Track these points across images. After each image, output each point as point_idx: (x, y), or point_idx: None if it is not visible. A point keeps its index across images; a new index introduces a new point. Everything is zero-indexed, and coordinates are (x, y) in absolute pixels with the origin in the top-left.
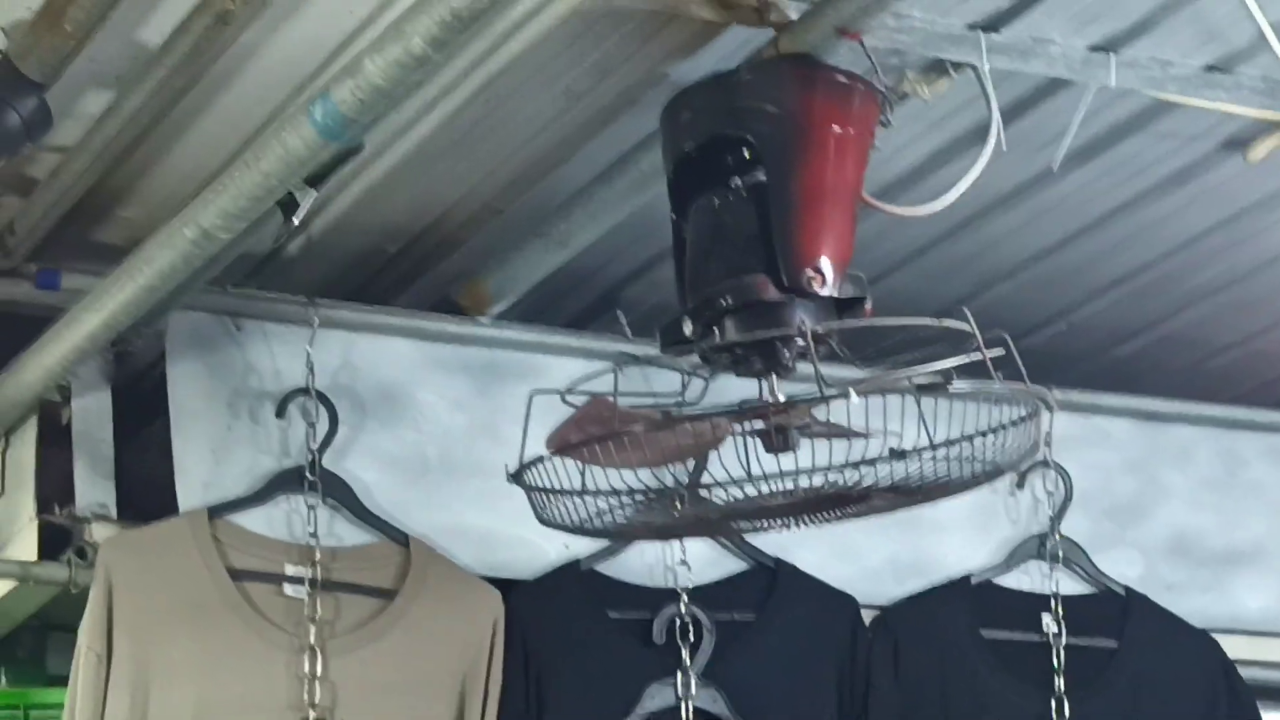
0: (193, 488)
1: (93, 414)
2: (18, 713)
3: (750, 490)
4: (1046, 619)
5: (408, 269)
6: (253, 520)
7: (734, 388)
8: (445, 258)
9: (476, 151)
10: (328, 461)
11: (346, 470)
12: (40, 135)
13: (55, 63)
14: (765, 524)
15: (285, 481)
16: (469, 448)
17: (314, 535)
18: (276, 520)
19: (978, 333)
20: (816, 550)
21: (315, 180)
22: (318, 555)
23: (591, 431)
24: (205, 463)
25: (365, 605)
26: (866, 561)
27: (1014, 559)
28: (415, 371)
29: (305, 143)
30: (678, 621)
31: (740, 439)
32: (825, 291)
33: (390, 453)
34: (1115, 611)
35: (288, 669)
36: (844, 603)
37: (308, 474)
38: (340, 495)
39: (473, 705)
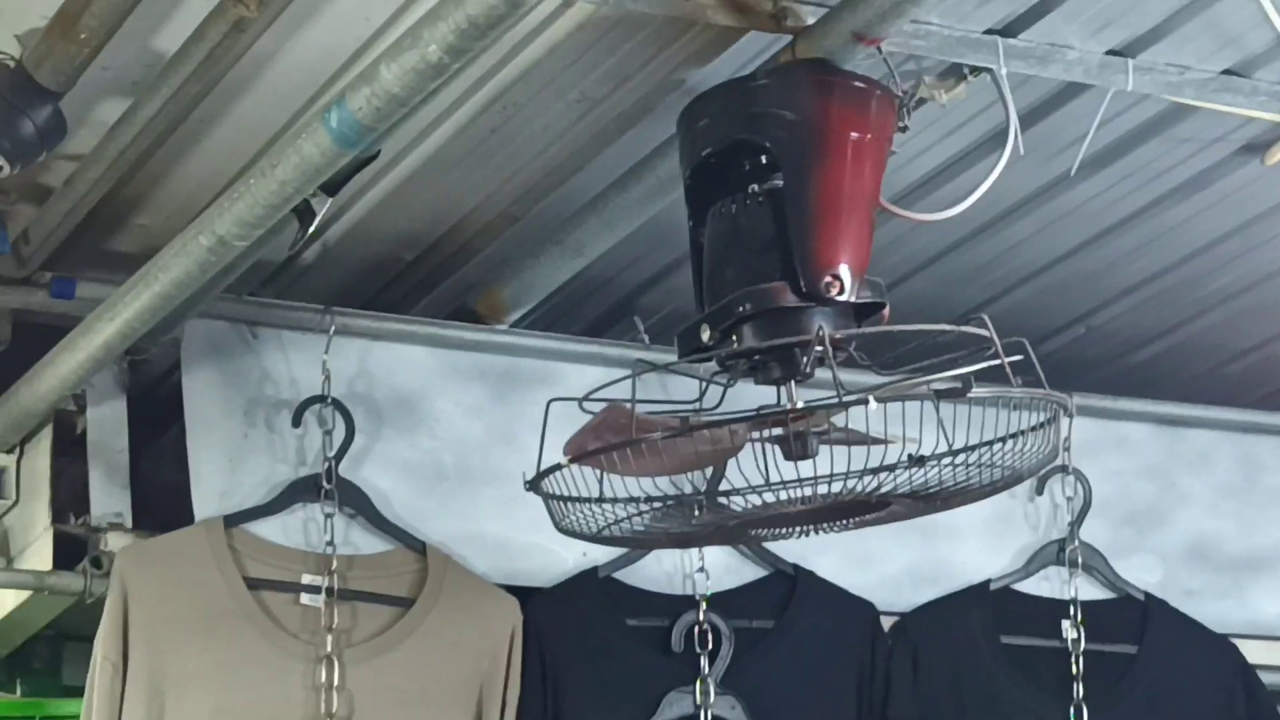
0: (208, 496)
1: (108, 423)
2: None
3: (769, 497)
4: (1066, 625)
5: (424, 277)
6: (269, 529)
7: (752, 394)
8: (461, 265)
9: (492, 159)
10: (344, 470)
11: (363, 478)
12: (55, 143)
13: (70, 71)
14: (784, 531)
15: (301, 490)
16: (486, 455)
17: (330, 544)
18: (293, 529)
19: (996, 338)
20: (834, 558)
21: (331, 188)
22: (334, 564)
23: (609, 439)
24: (221, 471)
25: (382, 614)
26: (885, 568)
27: (1033, 565)
28: (432, 379)
29: (321, 150)
30: (696, 629)
31: (759, 446)
32: (843, 298)
33: (407, 461)
34: (1134, 617)
35: (304, 678)
36: (863, 610)
37: (324, 482)
38: (357, 503)
39: (490, 714)
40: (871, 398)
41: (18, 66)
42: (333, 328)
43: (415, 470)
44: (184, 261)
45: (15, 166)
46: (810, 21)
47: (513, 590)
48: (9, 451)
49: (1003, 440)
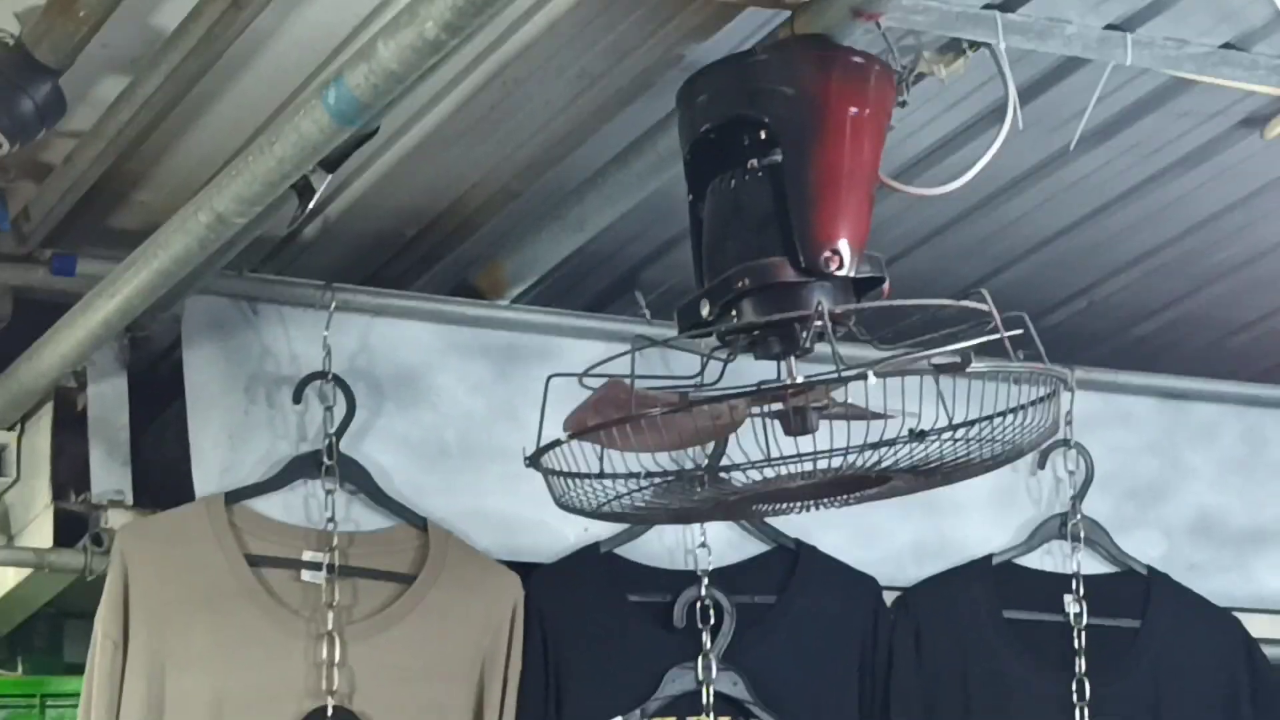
0: (209, 473)
1: (109, 400)
2: (34, 701)
3: (769, 472)
4: (1068, 600)
5: (425, 252)
6: (270, 506)
7: (752, 370)
8: (463, 241)
9: (493, 135)
10: (345, 446)
11: (364, 454)
12: (54, 121)
13: (69, 48)
14: (785, 506)
15: (302, 466)
16: (488, 431)
17: (331, 520)
18: (294, 505)
19: (996, 313)
20: (838, 532)
21: (331, 164)
22: (335, 540)
23: (609, 414)
24: (222, 448)
25: (383, 590)
26: (888, 543)
27: (1035, 539)
28: (433, 355)
29: (319, 127)
30: (698, 605)
31: (759, 421)
32: (843, 272)
33: (408, 437)
34: (1137, 592)
35: (305, 656)
36: (865, 585)
37: (325, 459)
38: (358, 480)
39: (492, 690)
40: (870, 373)
41: (17, 44)
42: (334, 304)
43: (417, 446)
44: (183, 239)
45: (15, 144)
46: None
47: (514, 566)
48: (9, 429)
49: (1003, 415)
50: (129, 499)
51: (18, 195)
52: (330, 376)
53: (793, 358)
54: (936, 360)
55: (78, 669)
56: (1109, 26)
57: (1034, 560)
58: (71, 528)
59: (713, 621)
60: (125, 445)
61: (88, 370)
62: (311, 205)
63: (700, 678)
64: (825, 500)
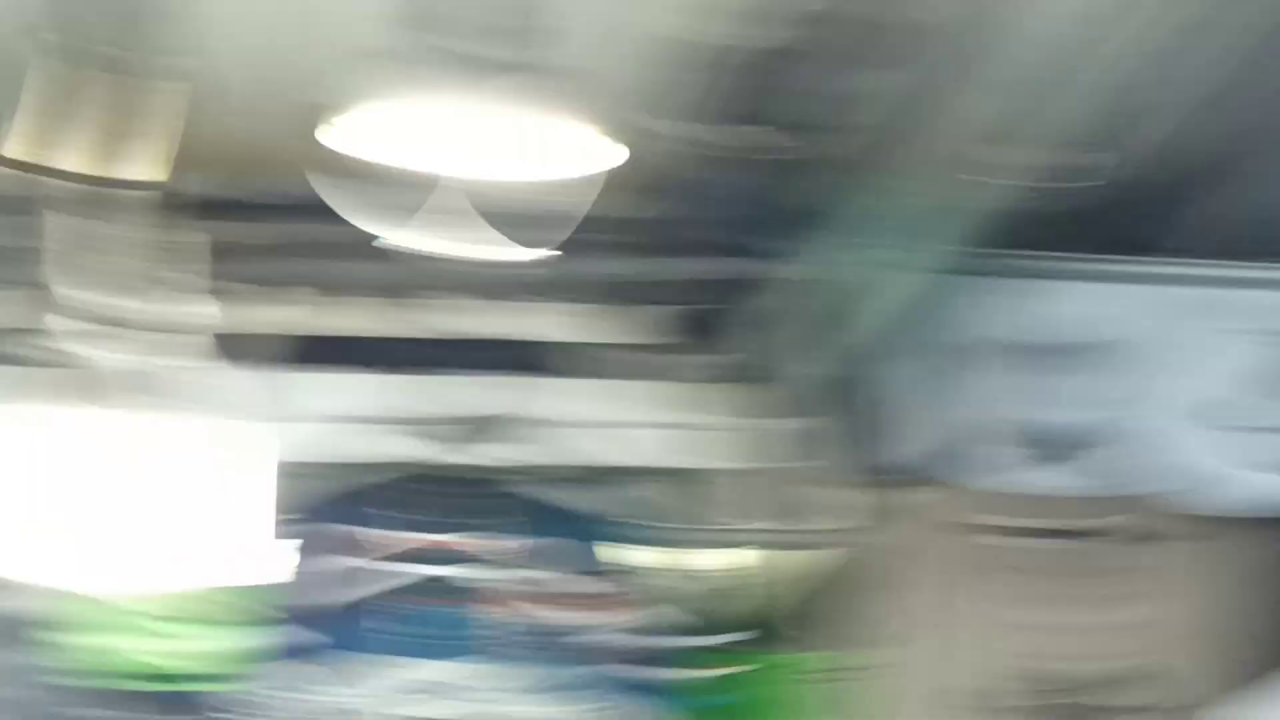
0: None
1: (896, 379)
2: (825, 674)
3: None
4: None
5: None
6: (1029, 477)
7: None
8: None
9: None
10: (1111, 417)
11: (1129, 423)
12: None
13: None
14: None
15: (1071, 437)
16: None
17: (1085, 488)
18: (1058, 475)
19: None
20: None
21: (1098, 144)
22: (1089, 508)
23: None
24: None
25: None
26: None
27: None
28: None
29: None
30: None
31: None
32: None
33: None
34: None
35: (1091, 617)
36: None
37: (1099, 428)
38: (1127, 449)
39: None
40: None
41: None
42: (1066, 274)
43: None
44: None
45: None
46: None
47: (1246, 522)
48: (815, 417)
49: None
50: (915, 474)
51: None
52: (1092, 347)
53: None
54: None
55: (868, 642)
56: None
57: None
58: (863, 504)
59: None
60: (909, 423)
61: (870, 350)
62: (1086, 182)
63: None
64: None
